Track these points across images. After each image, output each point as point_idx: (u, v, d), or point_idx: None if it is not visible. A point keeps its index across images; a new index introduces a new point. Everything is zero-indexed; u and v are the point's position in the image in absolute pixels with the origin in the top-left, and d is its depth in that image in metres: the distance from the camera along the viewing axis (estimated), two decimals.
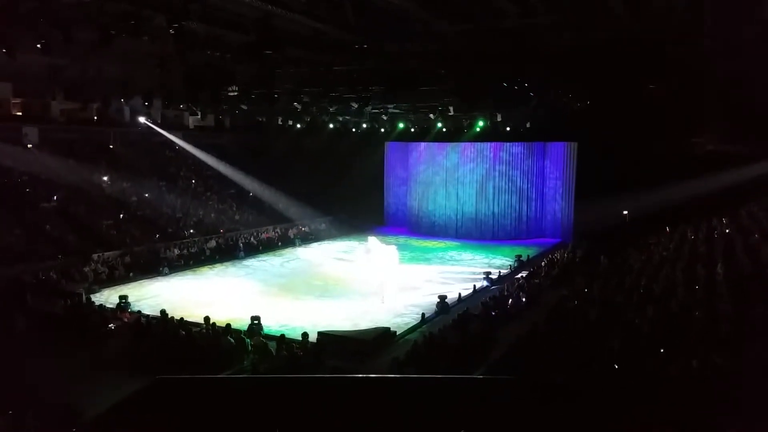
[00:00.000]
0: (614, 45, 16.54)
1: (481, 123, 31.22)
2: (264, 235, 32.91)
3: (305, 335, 15.22)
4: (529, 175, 35.87)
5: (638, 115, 26.67)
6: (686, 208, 26.82)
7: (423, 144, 37.94)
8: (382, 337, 16.37)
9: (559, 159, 35.25)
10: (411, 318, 18.92)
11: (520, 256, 28.03)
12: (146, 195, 31.31)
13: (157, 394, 4.54)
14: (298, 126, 35.61)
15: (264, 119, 36.88)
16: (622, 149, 28.45)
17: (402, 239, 35.41)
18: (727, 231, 22.60)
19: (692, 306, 13.65)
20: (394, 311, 19.70)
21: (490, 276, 24.13)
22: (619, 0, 13.22)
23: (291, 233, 34.44)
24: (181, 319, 16.65)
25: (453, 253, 31.67)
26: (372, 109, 28.01)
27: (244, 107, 29.11)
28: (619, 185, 27.98)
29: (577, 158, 34.14)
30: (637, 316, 13.71)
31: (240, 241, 30.51)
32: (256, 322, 16.78)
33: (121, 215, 29.07)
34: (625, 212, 30.48)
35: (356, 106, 24.54)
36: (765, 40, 14.13)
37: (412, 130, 35.86)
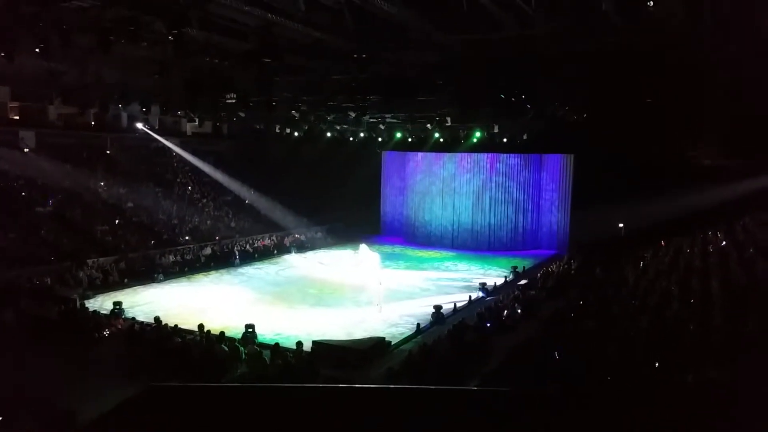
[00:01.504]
0: (612, 57, 16.63)
1: (478, 134, 31.33)
2: (259, 243, 32.87)
3: (300, 344, 15.14)
4: (526, 187, 35.96)
5: (635, 128, 26.80)
6: (682, 222, 26.91)
7: (420, 154, 38.05)
8: (376, 347, 16.31)
9: (556, 171, 35.36)
10: (406, 328, 18.87)
11: (515, 267, 28.03)
12: (142, 201, 31.26)
13: (150, 402, 4.50)
14: (296, 134, 35.66)
15: (262, 127, 36.92)
16: (618, 162, 28.57)
17: (398, 249, 35.41)
18: (723, 244, 22.65)
19: (687, 318, 13.66)
20: (389, 321, 19.65)
21: (485, 287, 24.10)
22: (616, 11, 13.29)
23: (287, 241, 34.41)
24: (175, 326, 16.57)
25: (449, 264, 31.65)
26: (370, 118, 28.10)
27: (242, 114, 29.13)
28: (615, 198, 28.07)
29: (574, 170, 34.27)
30: (631, 329, 13.71)
31: (235, 249, 30.44)
32: (250, 330, 16.72)
33: (117, 221, 29.01)
34: (621, 225, 30.56)
35: (354, 115, 24.60)
36: (765, 51, 14.21)
37: (410, 139, 35.96)
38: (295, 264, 30.43)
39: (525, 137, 31.64)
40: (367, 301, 21.65)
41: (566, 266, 27.36)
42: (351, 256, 29.19)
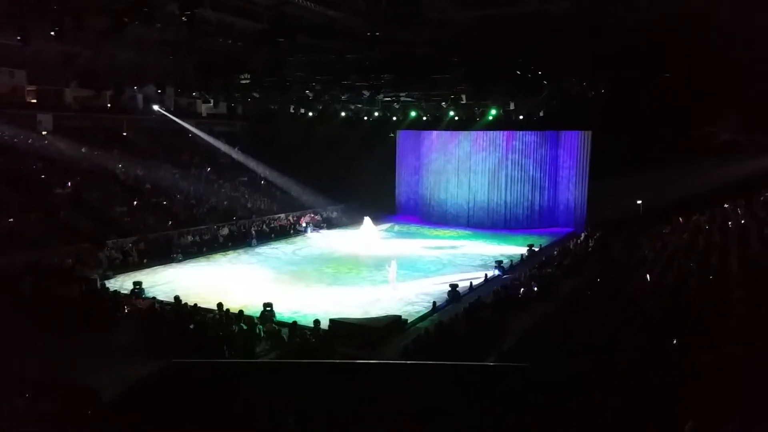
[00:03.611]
0: (629, 33, 16.36)
1: (493, 111, 31.07)
2: (276, 223, 33.06)
3: (317, 322, 15.31)
4: (542, 164, 35.69)
5: (653, 104, 26.41)
6: (701, 198, 26.60)
7: (435, 132, 37.85)
8: (393, 325, 16.43)
9: (573, 148, 35.02)
10: (422, 306, 18.96)
11: (532, 245, 27.93)
12: (160, 182, 31.51)
13: (170, 378, 4.60)
14: (310, 114, 35.61)
15: (276, 107, 36.91)
16: (636, 138, 28.20)
17: (414, 228, 35.42)
18: (742, 221, 22.38)
19: (705, 296, 13.57)
20: (405, 299, 19.76)
21: (501, 265, 24.09)
22: None
23: (303, 221, 34.55)
24: (195, 305, 16.80)
25: (465, 242, 31.61)
26: (384, 97, 27.95)
27: (257, 95, 29.13)
28: (633, 174, 27.76)
29: (591, 147, 33.90)
30: (649, 306, 13.65)
31: (252, 229, 30.67)
32: (268, 308, 16.91)
33: (135, 202, 29.28)
34: (639, 201, 30.29)
35: (368, 94, 24.51)
36: None
37: (424, 118, 35.75)
38: (312, 243, 30.61)
39: (541, 114, 31.32)
40: (383, 279, 21.78)
41: (583, 244, 27.23)
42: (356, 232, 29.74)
